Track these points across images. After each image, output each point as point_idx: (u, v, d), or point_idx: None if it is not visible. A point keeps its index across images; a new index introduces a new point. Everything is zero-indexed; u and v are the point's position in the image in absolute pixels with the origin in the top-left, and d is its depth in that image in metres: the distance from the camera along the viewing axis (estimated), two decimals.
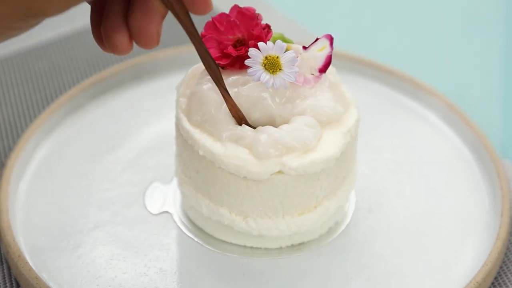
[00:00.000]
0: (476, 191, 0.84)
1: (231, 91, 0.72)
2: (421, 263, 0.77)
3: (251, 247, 0.78)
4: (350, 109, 0.75)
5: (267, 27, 0.73)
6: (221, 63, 0.73)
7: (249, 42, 0.72)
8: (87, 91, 0.92)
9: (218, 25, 0.73)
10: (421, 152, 0.88)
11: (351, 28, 1.13)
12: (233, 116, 0.73)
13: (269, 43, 0.71)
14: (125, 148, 0.88)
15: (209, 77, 0.73)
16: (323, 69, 0.73)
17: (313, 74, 0.74)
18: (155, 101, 0.93)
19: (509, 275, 0.78)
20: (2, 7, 0.58)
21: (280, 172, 0.72)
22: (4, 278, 0.77)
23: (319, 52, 0.73)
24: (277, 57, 0.71)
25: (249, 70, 0.71)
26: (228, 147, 0.71)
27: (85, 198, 0.82)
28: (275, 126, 0.72)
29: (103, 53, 1.01)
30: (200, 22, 0.68)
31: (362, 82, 0.95)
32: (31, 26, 0.61)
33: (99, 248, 0.77)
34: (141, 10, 0.62)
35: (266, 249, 0.78)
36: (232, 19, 0.73)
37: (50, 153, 0.87)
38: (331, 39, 0.73)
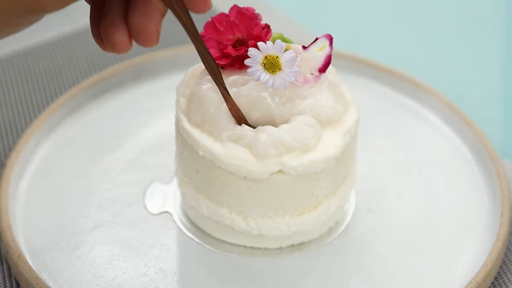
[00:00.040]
0: (476, 191, 0.84)
1: (231, 91, 0.72)
2: (421, 263, 0.77)
3: (251, 247, 0.78)
4: (350, 109, 0.75)
5: (267, 27, 0.73)
6: (221, 63, 0.73)
7: (249, 42, 0.72)
8: (87, 91, 0.92)
9: (217, 25, 0.73)
10: (421, 152, 0.88)
11: (351, 28, 1.13)
12: (233, 116, 0.73)
13: (269, 43, 0.71)
14: (125, 148, 0.88)
15: (209, 77, 0.73)
16: (322, 69, 0.73)
17: (312, 74, 0.74)
18: (155, 101, 0.93)
19: (509, 275, 0.78)
20: (2, 3, 0.58)
21: (280, 171, 0.72)
22: (4, 278, 0.77)
23: (319, 52, 0.73)
24: (277, 56, 0.71)
25: (248, 70, 0.71)
26: (228, 147, 0.71)
27: (85, 198, 0.82)
28: (275, 126, 0.72)
29: (103, 53, 1.01)
30: (199, 22, 0.68)
31: (362, 82, 0.95)
32: (31, 22, 0.61)
33: (99, 248, 0.77)
34: (140, 8, 0.61)
35: (266, 249, 0.78)
36: (231, 19, 0.73)
37: (50, 153, 0.87)
38: (330, 39, 0.73)
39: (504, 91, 1.01)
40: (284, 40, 0.75)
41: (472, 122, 0.88)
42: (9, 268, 0.78)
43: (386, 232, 0.80)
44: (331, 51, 0.73)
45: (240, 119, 0.72)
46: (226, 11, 0.74)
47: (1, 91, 0.96)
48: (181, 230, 0.79)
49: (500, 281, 0.77)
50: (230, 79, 0.73)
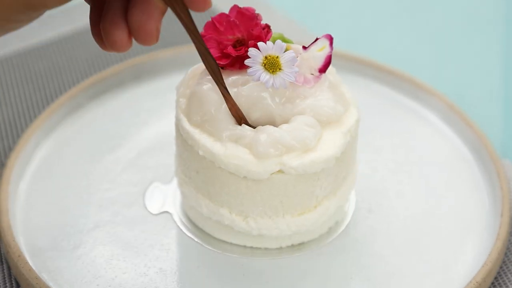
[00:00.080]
0: (476, 191, 0.84)
1: (231, 91, 0.72)
2: (421, 263, 0.77)
3: (251, 247, 0.78)
4: (350, 109, 0.75)
5: (267, 27, 0.73)
6: (221, 63, 0.73)
7: (249, 42, 0.72)
8: (87, 91, 0.92)
9: (217, 25, 0.73)
10: (421, 152, 0.88)
11: (351, 28, 1.13)
12: (233, 116, 0.73)
13: (269, 43, 0.71)
14: (125, 148, 0.88)
15: (209, 77, 0.73)
16: (323, 69, 0.73)
17: (313, 74, 0.74)
18: (155, 101, 0.93)
19: (509, 275, 0.78)
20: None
21: (280, 171, 0.72)
22: (4, 278, 0.77)
23: (319, 52, 0.73)
24: (277, 57, 0.71)
25: (249, 70, 0.71)
26: (228, 147, 0.71)
27: (85, 198, 0.82)
28: (275, 126, 0.72)
29: (103, 53, 1.01)
30: (200, 22, 0.68)
31: (362, 82, 0.95)
32: (32, 19, 0.61)
33: (99, 248, 0.77)
34: (140, 6, 0.61)
35: (266, 249, 0.78)
36: (231, 19, 0.73)
37: (50, 153, 0.87)
38: (331, 39, 0.73)
39: (504, 91, 1.01)
40: (284, 40, 0.75)
41: (472, 122, 0.88)
42: (9, 268, 0.78)
43: (386, 232, 0.80)
44: (331, 51, 0.73)
45: (240, 119, 0.72)
46: (226, 11, 0.74)
47: (1, 91, 0.96)
48: (181, 230, 0.79)
49: (500, 281, 0.77)
50: (230, 79, 0.73)
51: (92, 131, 0.89)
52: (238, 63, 0.73)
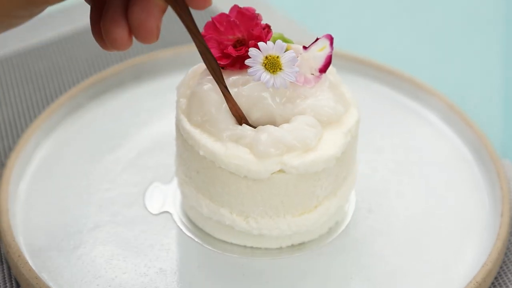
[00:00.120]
0: (476, 191, 0.84)
1: (231, 91, 0.72)
2: (421, 263, 0.77)
3: (251, 247, 0.78)
4: (351, 109, 0.75)
5: (267, 27, 0.73)
6: (221, 63, 0.73)
7: (249, 42, 0.72)
8: (87, 91, 0.92)
9: (218, 25, 0.73)
10: (421, 152, 0.88)
11: (351, 28, 1.13)
12: (234, 115, 0.72)
13: (269, 43, 0.71)
14: (125, 148, 0.88)
15: (210, 77, 0.73)
16: (323, 69, 0.73)
17: (313, 74, 0.74)
18: (155, 101, 0.93)
19: (509, 275, 0.78)
20: None
21: (281, 171, 0.72)
22: (4, 278, 0.77)
23: (319, 52, 0.73)
24: (278, 57, 0.71)
25: (249, 70, 0.71)
26: (228, 147, 0.71)
27: (85, 198, 0.82)
28: (276, 126, 0.72)
29: (103, 53, 1.01)
30: (200, 22, 0.68)
31: (362, 82, 0.95)
32: (33, 15, 0.61)
33: (99, 248, 0.77)
34: (141, 4, 0.62)
35: (266, 249, 0.78)
36: (232, 19, 0.73)
37: (50, 153, 0.87)
38: (331, 39, 0.73)
39: (504, 91, 1.01)
40: (285, 40, 0.75)
41: (472, 122, 0.88)
42: (9, 268, 0.78)
43: (386, 232, 0.80)
44: (331, 51, 0.73)
45: (240, 118, 0.72)
46: (226, 11, 0.74)
47: (1, 91, 0.96)
48: (181, 230, 0.79)
49: (500, 281, 0.77)
50: (231, 79, 0.73)
51: (92, 131, 0.89)
52: (239, 63, 0.73)
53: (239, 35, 0.73)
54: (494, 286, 0.77)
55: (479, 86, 1.02)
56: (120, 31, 0.62)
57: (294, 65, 0.71)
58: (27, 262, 0.75)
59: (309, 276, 0.76)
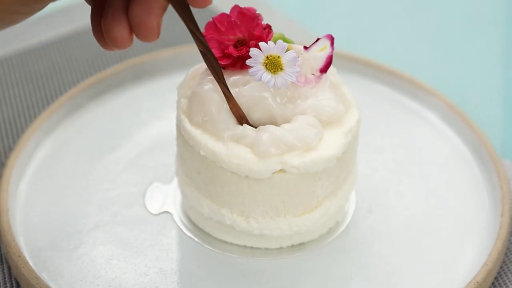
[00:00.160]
0: (476, 191, 0.84)
1: (232, 91, 0.72)
2: (421, 263, 0.77)
3: (251, 247, 0.78)
4: (351, 109, 0.75)
5: (268, 27, 0.73)
6: (222, 63, 0.73)
7: (250, 42, 0.72)
8: (87, 91, 0.92)
9: (218, 25, 0.73)
10: (421, 152, 0.88)
11: (351, 28, 1.13)
12: (234, 115, 0.72)
13: (270, 43, 0.71)
14: (125, 148, 0.87)
15: (210, 77, 0.73)
16: (324, 69, 0.73)
17: (314, 74, 0.74)
18: (155, 101, 0.93)
19: (509, 275, 0.78)
20: None
21: (281, 170, 0.72)
22: (4, 278, 0.77)
23: (320, 52, 0.73)
24: (278, 57, 0.71)
25: (250, 70, 0.71)
26: (229, 147, 0.71)
27: (85, 198, 0.82)
28: (276, 126, 0.72)
29: (103, 53, 1.01)
30: (201, 22, 0.69)
31: (362, 82, 0.95)
32: (35, 11, 0.61)
33: (99, 248, 0.77)
34: (141, 2, 0.62)
35: (266, 249, 0.78)
36: (232, 19, 0.73)
37: (50, 153, 0.87)
38: (332, 39, 0.73)
39: (504, 91, 1.01)
40: (285, 40, 0.75)
41: (472, 122, 0.88)
42: (9, 268, 0.78)
43: (386, 232, 0.80)
44: (332, 52, 0.73)
45: (241, 118, 0.72)
46: (227, 11, 0.73)
47: (1, 91, 0.96)
48: (181, 230, 0.79)
49: (500, 281, 0.77)
50: (232, 79, 0.73)
51: (92, 131, 0.89)
52: (239, 63, 0.73)
53: (239, 35, 0.73)
54: (494, 286, 0.77)
55: (479, 86, 1.02)
56: (120, 29, 0.62)
57: (295, 65, 0.71)
58: (27, 262, 0.75)
59: (309, 276, 0.76)
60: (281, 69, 0.71)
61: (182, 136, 0.74)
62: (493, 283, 0.77)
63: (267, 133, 0.71)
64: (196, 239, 0.79)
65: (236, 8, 0.73)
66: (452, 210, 0.82)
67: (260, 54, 0.70)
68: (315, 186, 0.73)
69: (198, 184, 0.75)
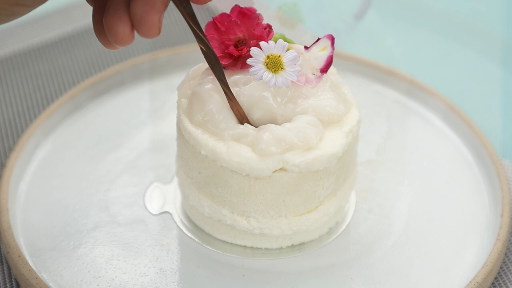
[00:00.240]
0: (476, 191, 0.84)
1: (233, 91, 0.72)
2: (421, 263, 0.77)
3: (251, 247, 0.78)
4: (352, 109, 0.75)
5: (268, 27, 0.73)
6: (223, 63, 0.73)
7: (251, 41, 0.72)
8: (87, 91, 0.92)
9: (219, 25, 0.73)
10: (421, 152, 0.88)
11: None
12: (235, 115, 0.73)
13: (271, 42, 0.71)
14: (125, 148, 0.87)
15: (210, 77, 0.73)
16: (324, 69, 0.73)
17: (314, 74, 0.74)
18: (155, 101, 0.93)
19: (510, 276, 0.78)
20: None
21: (282, 169, 0.72)
22: (4, 278, 0.77)
23: (321, 52, 0.73)
24: (279, 56, 0.71)
25: (251, 69, 0.71)
26: (230, 146, 0.71)
27: (85, 199, 0.82)
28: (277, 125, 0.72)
29: (103, 53, 1.01)
30: (201, 22, 0.69)
31: (362, 82, 0.95)
32: (36, 4, 0.61)
33: (99, 248, 0.77)
34: None
35: (266, 249, 0.78)
36: (233, 19, 0.73)
37: (50, 153, 0.87)
38: (332, 39, 0.73)
39: (504, 91, 1.01)
40: (286, 40, 0.75)
41: (473, 123, 0.88)
42: (9, 268, 0.78)
43: (386, 232, 0.80)
44: (333, 52, 0.73)
45: (242, 118, 0.72)
46: (227, 11, 0.74)
47: (1, 91, 0.96)
48: (181, 230, 0.79)
49: (500, 281, 0.77)
50: (232, 79, 0.73)
51: (92, 131, 0.89)
52: (240, 63, 0.73)
53: (240, 35, 0.73)
54: (494, 286, 0.77)
55: (479, 86, 1.02)
56: (122, 26, 0.62)
57: (295, 64, 0.71)
58: (27, 262, 0.75)
59: (309, 276, 0.76)
60: (282, 68, 0.71)
61: (182, 136, 0.74)
62: (493, 283, 0.77)
63: (268, 132, 0.71)
64: (196, 239, 0.79)
65: (236, 8, 0.73)
66: (452, 210, 0.82)
67: (261, 53, 0.70)
68: (316, 186, 0.73)
69: (198, 184, 0.75)
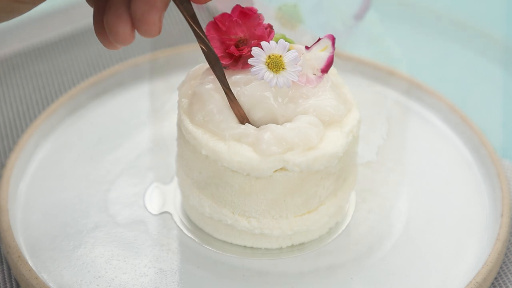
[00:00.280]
0: (476, 191, 0.84)
1: (234, 91, 0.72)
2: (421, 263, 0.77)
3: (251, 247, 0.78)
4: (352, 109, 0.75)
5: (269, 27, 0.73)
6: (224, 62, 0.73)
7: (252, 41, 0.72)
8: (87, 91, 0.92)
9: (220, 25, 0.73)
10: (421, 152, 0.88)
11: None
12: (236, 115, 0.72)
13: (272, 42, 0.71)
14: (125, 148, 0.87)
15: (211, 77, 0.73)
16: (325, 69, 0.73)
17: (315, 74, 0.74)
18: (155, 101, 0.93)
19: (509, 276, 0.78)
20: None
21: (283, 169, 0.72)
22: (4, 278, 0.77)
23: (321, 52, 0.73)
24: (280, 56, 0.71)
25: (252, 69, 0.71)
26: (231, 145, 0.71)
27: (85, 199, 0.82)
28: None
29: (103, 53, 1.01)
30: (201, 22, 0.69)
31: (362, 82, 0.95)
32: (37, 2, 0.61)
33: (99, 248, 0.77)
34: None
35: (266, 249, 0.78)
36: (234, 19, 0.73)
37: (50, 153, 0.87)
38: (333, 40, 0.73)
39: (504, 92, 1.01)
40: (286, 40, 0.75)
41: (473, 123, 0.88)
42: (9, 268, 0.78)
43: (386, 232, 0.80)
44: (333, 52, 0.73)
45: (242, 118, 0.72)
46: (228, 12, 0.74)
47: (1, 91, 0.96)
48: (181, 230, 0.79)
49: (500, 281, 0.77)
50: (233, 79, 0.73)
51: (92, 131, 0.89)
52: (241, 63, 0.73)
53: (241, 34, 0.73)
54: (494, 286, 0.77)
55: (479, 86, 1.02)
56: (123, 25, 0.62)
57: (296, 64, 0.71)
58: (27, 262, 0.75)
59: (309, 276, 0.76)
60: (283, 68, 0.71)
61: (183, 136, 0.74)
62: (493, 283, 0.77)
63: (269, 131, 0.71)
64: (196, 239, 0.79)
65: (237, 8, 0.73)
66: (452, 210, 0.82)
67: (262, 53, 0.70)
68: (317, 186, 0.73)
69: (199, 184, 0.75)
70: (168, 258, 0.77)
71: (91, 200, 0.82)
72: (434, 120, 0.91)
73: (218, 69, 0.71)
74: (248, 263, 0.77)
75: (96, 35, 0.65)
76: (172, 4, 0.66)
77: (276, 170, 0.72)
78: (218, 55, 0.72)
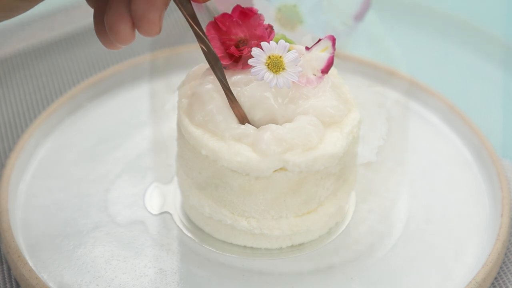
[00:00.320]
0: (476, 191, 0.84)
1: (234, 91, 0.72)
2: (421, 263, 0.77)
3: (251, 248, 0.78)
4: (353, 110, 0.75)
5: (270, 27, 0.73)
6: (224, 63, 0.73)
7: (252, 41, 0.72)
8: (87, 91, 0.92)
9: (220, 25, 0.73)
10: (421, 152, 0.88)
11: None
12: (236, 115, 0.72)
13: (272, 42, 0.71)
14: (125, 148, 0.87)
15: (211, 77, 0.73)
16: (325, 70, 0.73)
17: (315, 75, 0.74)
18: (155, 101, 0.93)
19: (509, 276, 0.78)
20: None
21: (283, 169, 0.72)
22: (4, 278, 0.77)
23: (322, 53, 0.73)
24: (280, 56, 0.71)
25: (252, 70, 0.71)
26: (230, 145, 0.71)
27: (85, 199, 0.82)
28: None
29: (103, 53, 1.01)
30: (201, 22, 0.69)
31: (363, 82, 0.95)
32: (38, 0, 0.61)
33: (99, 248, 0.77)
34: None
35: (266, 249, 0.78)
36: (234, 19, 0.73)
37: (50, 153, 0.87)
38: (333, 40, 0.73)
39: (504, 92, 1.01)
40: (287, 40, 0.75)
41: (472, 123, 0.88)
42: (9, 268, 0.78)
43: (386, 232, 0.80)
44: (333, 52, 0.73)
45: (242, 118, 0.72)
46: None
47: (1, 91, 0.96)
48: (181, 230, 0.79)
49: (500, 281, 0.77)
50: (233, 79, 0.73)
51: (92, 131, 0.89)
52: (241, 63, 0.73)
53: (241, 35, 0.73)
54: (494, 286, 0.77)
55: (479, 86, 1.02)
56: (123, 25, 0.63)
57: (296, 64, 0.71)
58: (27, 262, 0.75)
59: (309, 276, 0.76)
60: (283, 69, 0.71)
61: (183, 136, 0.74)
62: (493, 283, 0.77)
63: (269, 131, 0.71)
64: (196, 239, 0.78)
65: (237, 8, 0.73)
66: (452, 210, 0.82)
67: (262, 53, 0.70)
68: (317, 186, 0.73)
69: (199, 184, 0.75)
70: (168, 258, 0.77)
71: (91, 200, 0.82)
72: (434, 120, 0.91)
73: (218, 69, 0.71)
74: (248, 263, 0.77)
75: (97, 35, 0.65)
76: (172, 4, 0.66)
77: (275, 170, 0.72)
78: (218, 55, 0.72)
